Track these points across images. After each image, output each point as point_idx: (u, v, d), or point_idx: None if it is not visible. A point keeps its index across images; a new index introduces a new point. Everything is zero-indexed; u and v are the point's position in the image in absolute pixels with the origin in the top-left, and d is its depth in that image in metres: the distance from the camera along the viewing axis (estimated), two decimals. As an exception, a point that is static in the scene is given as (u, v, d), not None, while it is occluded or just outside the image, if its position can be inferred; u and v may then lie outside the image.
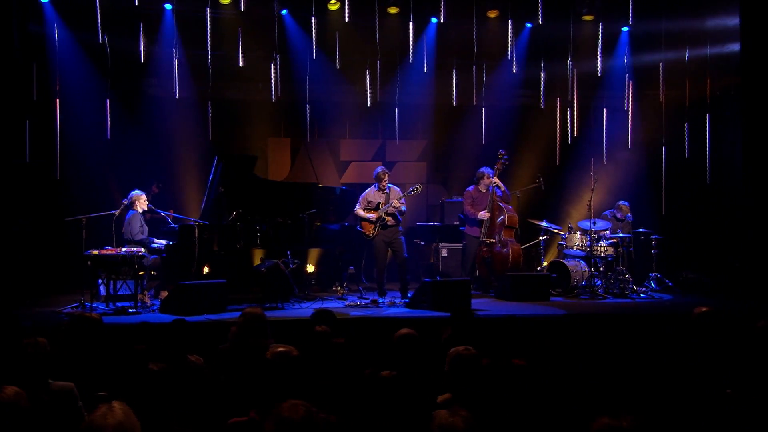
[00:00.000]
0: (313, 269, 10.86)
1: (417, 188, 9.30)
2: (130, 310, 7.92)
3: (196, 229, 8.55)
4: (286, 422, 2.20)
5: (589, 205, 9.92)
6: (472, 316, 5.43)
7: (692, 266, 10.61)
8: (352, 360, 3.93)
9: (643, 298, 9.44)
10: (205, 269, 9.99)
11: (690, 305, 8.51)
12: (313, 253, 10.90)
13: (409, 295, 8.73)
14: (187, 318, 7.14)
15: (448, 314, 7.81)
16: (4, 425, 2.93)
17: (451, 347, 4.26)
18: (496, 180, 9.71)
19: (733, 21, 10.06)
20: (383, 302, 8.68)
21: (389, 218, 9.03)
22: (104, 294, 8.58)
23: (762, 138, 9.47)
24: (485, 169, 9.78)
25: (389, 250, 9.12)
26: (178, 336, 3.95)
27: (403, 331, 4.46)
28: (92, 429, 2.39)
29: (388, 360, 3.99)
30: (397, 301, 8.71)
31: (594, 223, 9.92)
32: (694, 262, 10.65)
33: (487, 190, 9.71)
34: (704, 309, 5.51)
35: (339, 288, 9.58)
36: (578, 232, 10.00)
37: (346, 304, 8.75)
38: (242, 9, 9.73)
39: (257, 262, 9.24)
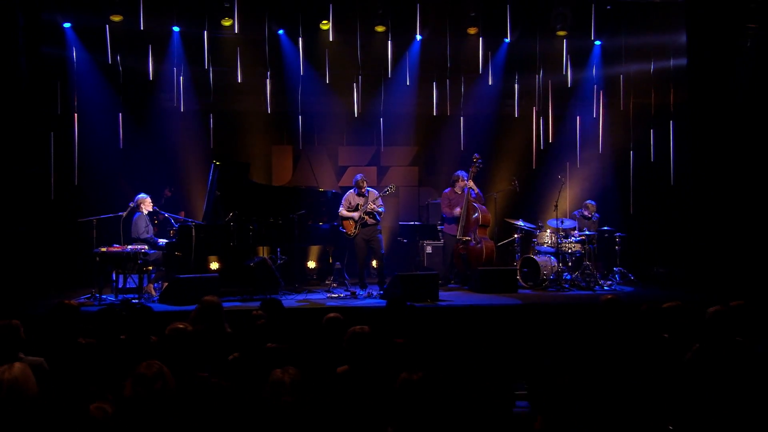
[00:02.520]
0: (314, 265, 11.18)
1: (390, 188, 9.63)
2: (133, 301, 8.07)
3: (193, 229, 8.73)
4: (139, 376, 2.63)
5: (556, 206, 10.11)
6: (405, 305, 5.71)
7: (661, 261, 10.71)
8: (270, 338, 4.34)
9: (606, 290, 9.53)
10: (213, 265, 10.47)
11: (645, 297, 8.84)
12: (314, 250, 11.18)
13: (384, 287, 9.00)
14: (183, 307, 7.68)
15: (415, 304, 8.32)
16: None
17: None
18: (470, 183, 9.95)
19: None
20: (362, 294, 8.94)
21: (368, 218, 9.28)
22: (121, 286, 8.96)
23: (710, 143, 9.63)
24: (460, 173, 10.05)
25: (368, 247, 9.37)
26: (107, 319, 4.40)
27: (331, 315, 4.92)
28: None
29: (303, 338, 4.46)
30: (374, 293, 8.96)
31: (562, 222, 10.19)
32: (662, 258, 10.73)
33: (463, 191, 9.96)
34: (609, 297, 5.88)
35: (329, 282, 9.84)
36: (548, 230, 10.20)
37: (329, 296, 8.95)
38: (236, 31, 10.03)
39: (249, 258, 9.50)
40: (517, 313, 8.03)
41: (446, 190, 10.25)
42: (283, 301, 8.29)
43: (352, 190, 9.54)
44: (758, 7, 8.74)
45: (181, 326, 3.45)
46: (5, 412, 2.68)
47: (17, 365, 2.79)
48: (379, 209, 9.37)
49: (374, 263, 10.11)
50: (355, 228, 9.31)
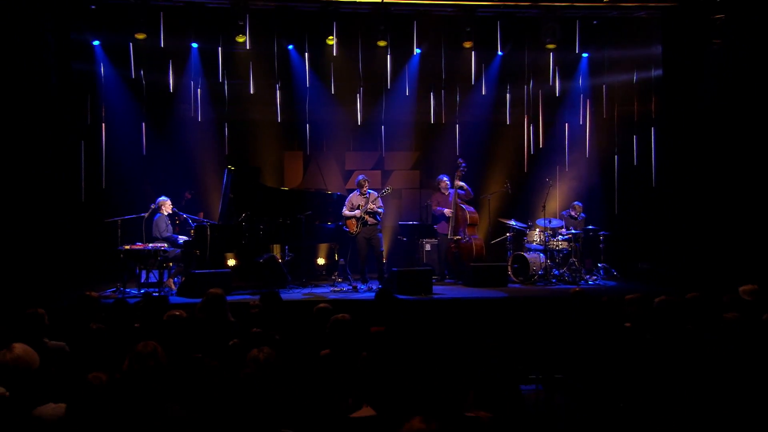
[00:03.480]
0: (323, 262, 11.31)
1: (387, 190, 9.92)
2: (154, 294, 8.29)
3: (208, 229, 8.92)
4: (136, 354, 2.91)
5: (544, 206, 10.27)
6: (392, 297, 5.95)
7: (643, 258, 10.71)
8: (262, 325, 4.62)
9: (590, 285, 9.65)
10: (231, 261, 10.57)
11: (627, 291, 8.91)
12: (322, 248, 11.31)
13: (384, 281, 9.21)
14: (198, 299, 7.91)
15: (410, 297, 8.56)
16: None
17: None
18: (458, 183, 10.07)
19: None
20: (363, 288, 9.15)
21: (369, 218, 9.47)
22: (144, 281, 9.06)
23: (685, 147, 9.77)
24: (442, 176, 10.31)
25: (369, 245, 9.55)
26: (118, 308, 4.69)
27: (321, 305, 5.19)
28: None
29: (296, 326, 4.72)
30: (374, 287, 9.11)
31: (549, 222, 10.32)
32: (644, 255, 10.76)
33: (448, 193, 10.14)
34: (575, 290, 6.10)
35: (335, 277, 9.94)
36: (537, 229, 10.33)
37: (332, 289, 9.18)
38: (248, 46, 10.15)
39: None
40: (503, 306, 8.24)
41: (435, 195, 10.50)
42: (289, 294, 8.72)
43: (355, 191, 9.74)
44: (722, 23, 8.88)
45: (176, 313, 3.73)
46: (14, 385, 2.98)
47: (17, 345, 3.08)
48: (379, 209, 9.56)
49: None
50: (357, 227, 9.49)
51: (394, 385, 2.73)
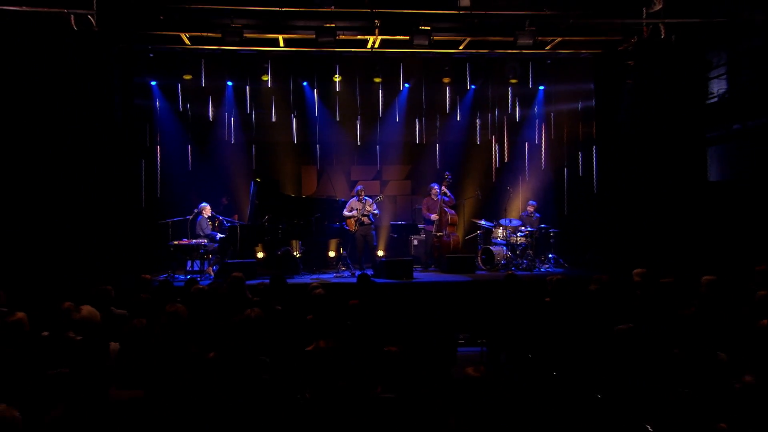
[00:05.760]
0: (333, 254, 11.43)
1: (379, 197, 10.39)
2: (197, 279, 8.86)
3: (238, 228, 9.40)
4: (167, 311, 3.66)
5: (505, 209, 10.71)
6: (368, 280, 6.53)
7: (587, 249, 10.81)
8: (271, 298, 5.32)
9: (541, 271, 9.95)
10: (260, 254, 11.01)
11: (568, 276, 9.16)
12: (333, 243, 11.45)
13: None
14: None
15: (395, 281, 8.97)
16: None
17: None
18: (444, 189, 10.51)
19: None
20: (359, 274, 9.69)
21: (365, 218, 9.97)
22: (189, 269, 9.60)
23: (616, 162, 10.09)
24: (433, 185, 10.69)
25: (365, 240, 10.10)
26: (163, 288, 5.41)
27: (314, 284, 5.86)
28: (67, 319, 3.75)
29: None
30: (369, 273, 9.55)
31: (510, 221, 10.70)
32: (588, 247, 10.82)
33: (437, 198, 10.55)
34: (508, 273, 6.65)
35: (339, 266, 10.24)
36: (501, 228, 10.67)
37: (335, 275, 9.59)
38: (270, 85, 10.62)
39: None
40: (467, 287, 8.79)
41: (425, 198, 10.90)
42: (301, 279, 9.13)
43: (354, 197, 10.22)
44: (632, 68, 9.39)
45: (199, 287, 4.47)
46: (84, 335, 3.73)
47: (84, 307, 3.82)
48: (375, 212, 10.05)
49: (379, 253, 10.88)
50: (355, 226, 9.99)
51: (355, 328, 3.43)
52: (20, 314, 3.83)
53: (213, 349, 3.25)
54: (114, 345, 3.45)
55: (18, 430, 2.28)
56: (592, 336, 4.86)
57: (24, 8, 8.05)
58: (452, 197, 10.68)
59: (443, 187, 10.57)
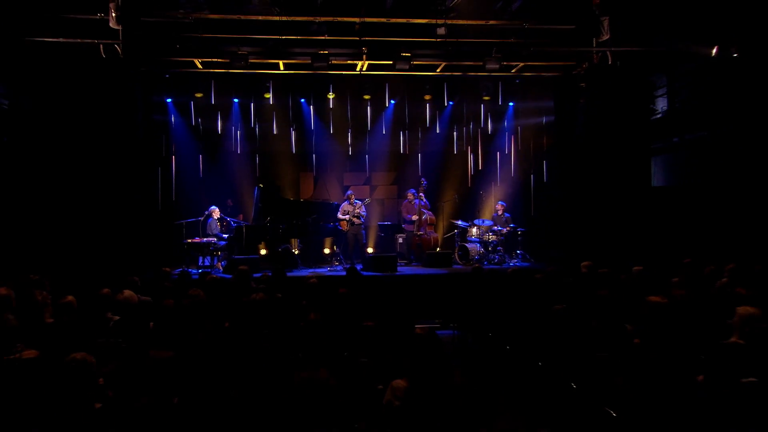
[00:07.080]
0: (329, 251, 11.70)
1: (367, 201, 10.81)
2: (209, 272, 9.09)
3: (243, 228, 9.64)
4: (189, 294, 4.24)
5: (479, 210, 11.22)
6: (356, 272, 7.03)
7: (551, 246, 11.09)
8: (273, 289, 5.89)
9: (510, 266, 9.95)
10: (263, 251, 11.16)
11: (533, 270, 9.53)
12: (328, 240, 11.71)
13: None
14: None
15: (381, 273, 9.32)
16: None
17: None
18: (421, 195, 10.98)
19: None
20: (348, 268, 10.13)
21: (355, 219, 10.42)
22: (200, 264, 9.95)
23: (576, 170, 10.51)
24: (409, 191, 11.19)
25: (356, 239, 10.52)
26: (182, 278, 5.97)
27: (309, 275, 6.42)
28: (108, 301, 4.31)
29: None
30: (358, 268, 9.91)
31: (483, 221, 11.14)
32: (552, 244, 11.10)
33: (414, 202, 11.00)
34: (475, 266, 7.16)
35: (333, 261, 10.73)
36: (475, 227, 11.06)
37: (329, 269, 9.94)
38: (271, 102, 10.95)
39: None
40: (444, 279, 9.19)
41: (404, 201, 11.37)
42: (299, 272, 9.43)
43: (346, 201, 10.64)
44: (584, 89, 9.92)
45: (213, 276, 5.06)
46: (122, 315, 4.30)
47: (126, 291, 4.37)
48: (364, 213, 10.50)
49: (369, 250, 11.34)
50: (347, 226, 10.41)
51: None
52: (70, 297, 4.39)
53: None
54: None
55: (93, 371, 2.76)
56: (537, 315, 5.45)
57: (61, 39, 8.54)
58: (426, 202, 11.05)
59: (420, 192, 11.02)
